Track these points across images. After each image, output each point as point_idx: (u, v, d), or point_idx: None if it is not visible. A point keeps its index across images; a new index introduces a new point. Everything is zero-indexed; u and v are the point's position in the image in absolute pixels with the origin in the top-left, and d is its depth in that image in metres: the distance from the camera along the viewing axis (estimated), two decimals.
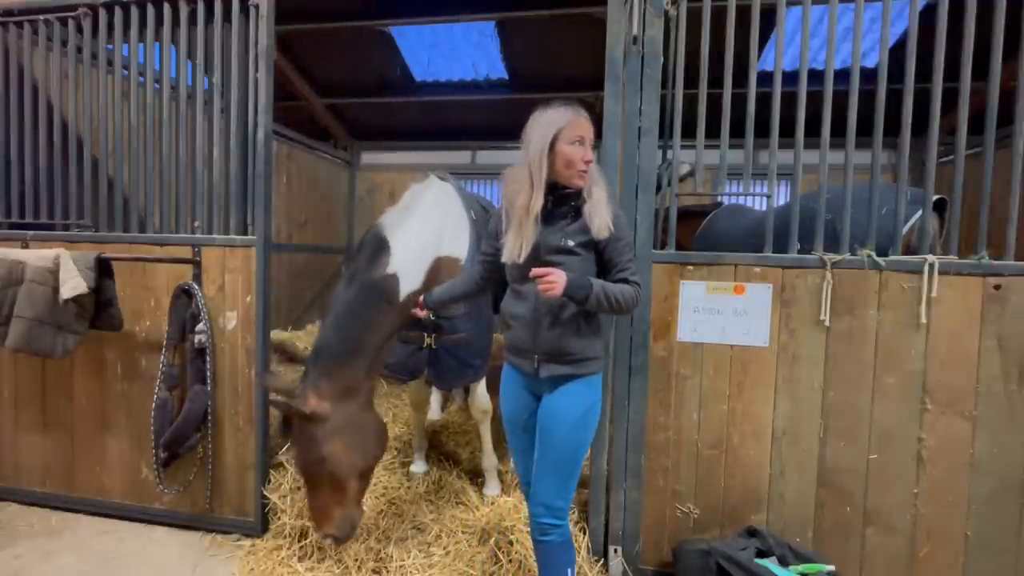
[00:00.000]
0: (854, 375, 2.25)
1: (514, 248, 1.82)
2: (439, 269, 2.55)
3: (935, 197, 2.26)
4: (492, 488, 3.04)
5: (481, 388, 3.01)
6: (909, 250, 2.28)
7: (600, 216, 1.76)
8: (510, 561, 2.38)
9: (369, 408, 2.44)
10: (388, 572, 2.39)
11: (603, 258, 1.84)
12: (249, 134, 2.74)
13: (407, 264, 2.43)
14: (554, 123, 1.76)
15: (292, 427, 2.26)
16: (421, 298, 2.27)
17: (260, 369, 2.68)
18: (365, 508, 2.64)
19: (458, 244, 2.69)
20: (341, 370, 2.28)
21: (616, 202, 2.30)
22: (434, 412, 4.10)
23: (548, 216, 1.83)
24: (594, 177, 1.81)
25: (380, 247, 2.44)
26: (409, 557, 2.45)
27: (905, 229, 2.26)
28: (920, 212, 2.27)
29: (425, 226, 2.56)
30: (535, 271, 1.69)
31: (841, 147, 2.26)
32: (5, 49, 3.01)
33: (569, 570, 1.87)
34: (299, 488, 2.77)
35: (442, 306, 2.30)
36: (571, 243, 1.79)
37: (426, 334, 2.67)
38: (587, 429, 1.88)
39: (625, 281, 1.80)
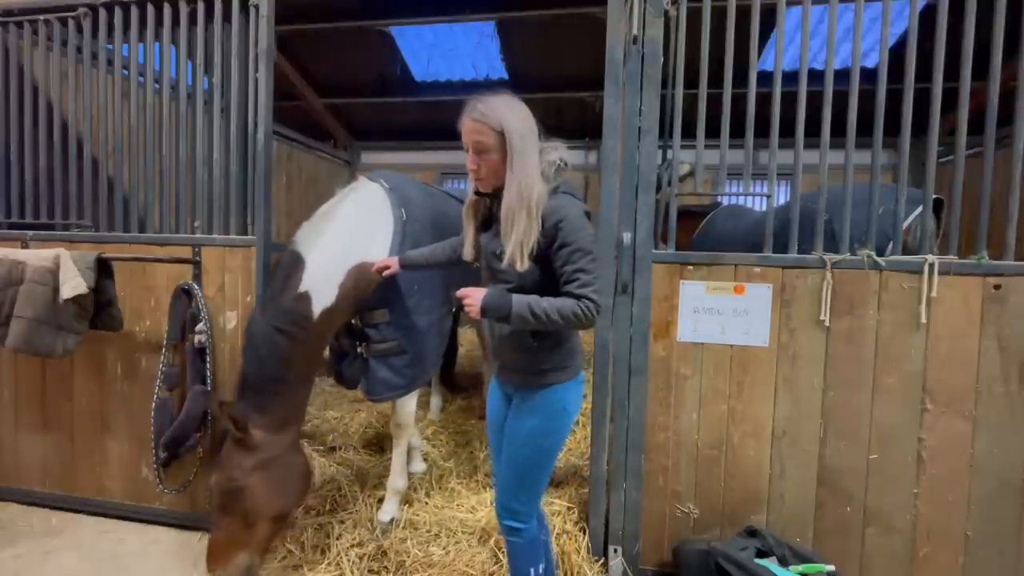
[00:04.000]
0: (854, 375, 2.25)
1: (467, 249, 1.91)
2: (356, 278, 2.40)
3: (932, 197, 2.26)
4: (385, 514, 2.72)
5: (407, 402, 2.73)
6: (907, 250, 2.29)
7: (508, 236, 1.61)
8: None
9: (298, 448, 2.33)
10: (388, 572, 2.39)
11: (554, 266, 1.65)
12: (249, 134, 2.74)
13: (318, 280, 2.31)
14: None
15: (220, 449, 2.19)
16: (396, 258, 2.27)
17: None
18: (263, 565, 2.38)
19: (375, 246, 2.48)
20: (270, 402, 2.21)
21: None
22: (434, 412, 4.11)
23: (494, 221, 1.75)
24: (510, 187, 1.60)
25: (294, 264, 2.31)
26: (409, 557, 2.45)
27: (903, 227, 2.26)
28: (918, 210, 2.28)
29: (338, 235, 2.40)
30: (459, 292, 1.69)
31: (841, 147, 2.26)
32: (5, 49, 3.00)
33: (532, 570, 1.87)
34: None
35: (414, 267, 2.30)
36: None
37: (358, 343, 2.55)
38: (548, 437, 1.79)
39: (571, 295, 1.60)
